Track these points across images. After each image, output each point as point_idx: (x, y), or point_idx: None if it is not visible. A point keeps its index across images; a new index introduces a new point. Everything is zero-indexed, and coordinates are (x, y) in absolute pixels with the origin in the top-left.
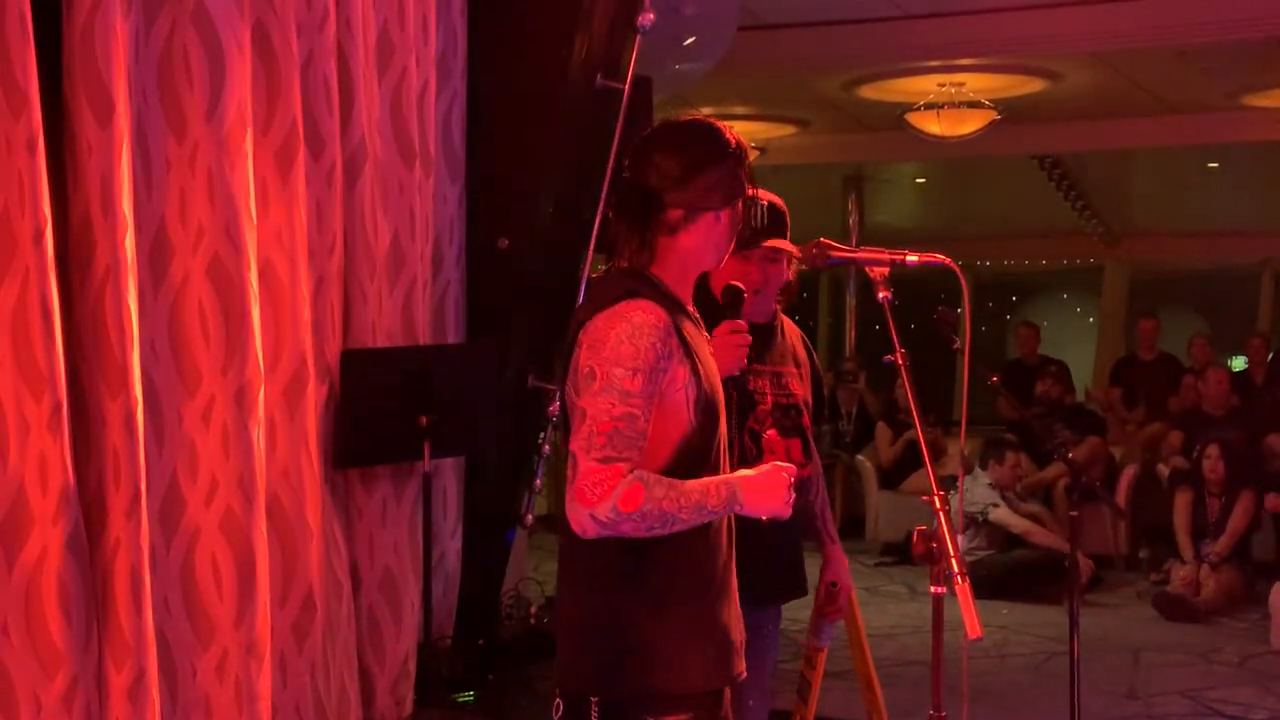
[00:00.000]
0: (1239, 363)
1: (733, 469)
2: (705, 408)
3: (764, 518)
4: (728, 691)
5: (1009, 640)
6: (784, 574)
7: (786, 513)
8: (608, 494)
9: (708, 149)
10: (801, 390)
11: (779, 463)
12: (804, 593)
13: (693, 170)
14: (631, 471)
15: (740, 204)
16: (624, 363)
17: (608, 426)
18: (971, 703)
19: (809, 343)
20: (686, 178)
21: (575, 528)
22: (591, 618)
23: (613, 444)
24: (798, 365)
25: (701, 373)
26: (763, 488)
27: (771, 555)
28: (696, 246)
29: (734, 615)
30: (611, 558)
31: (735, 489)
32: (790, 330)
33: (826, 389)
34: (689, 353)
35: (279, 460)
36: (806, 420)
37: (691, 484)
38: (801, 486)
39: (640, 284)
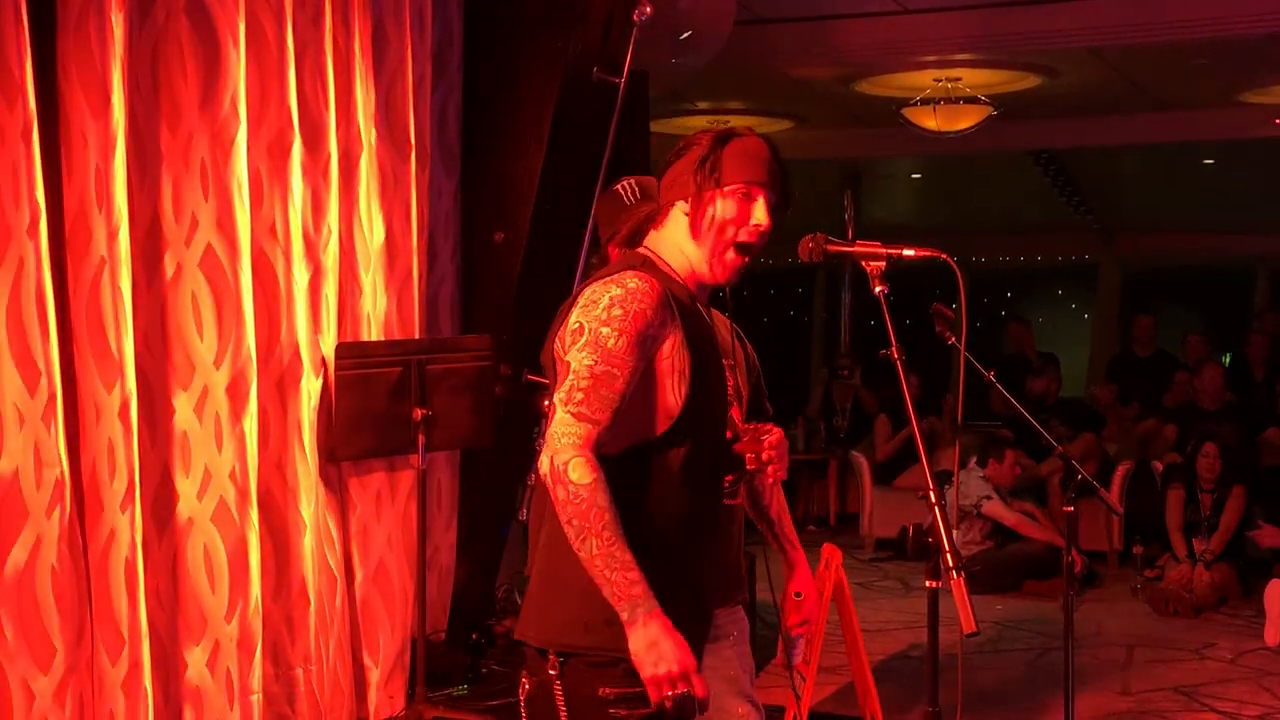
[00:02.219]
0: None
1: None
2: (699, 382)
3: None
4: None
5: (1003, 636)
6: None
7: (655, 687)
8: (568, 449)
9: (676, 150)
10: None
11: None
12: (744, 597)
13: (664, 169)
14: (599, 436)
15: (703, 195)
16: (612, 324)
17: (587, 382)
18: (966, 698)
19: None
20: (661, 175)
21: (540, 467)
22: (557, 573)
23: (589, 401)
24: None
25: (694, 347)
26: (660, 646)
27: (721, 552)
28: (675, 235)
29: (705, 588)
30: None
31: (642, 616)
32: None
33: (822, 385)
34: (682, 326)
35: (272, 453)
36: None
37: (627, 555)
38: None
39: (642, 263)
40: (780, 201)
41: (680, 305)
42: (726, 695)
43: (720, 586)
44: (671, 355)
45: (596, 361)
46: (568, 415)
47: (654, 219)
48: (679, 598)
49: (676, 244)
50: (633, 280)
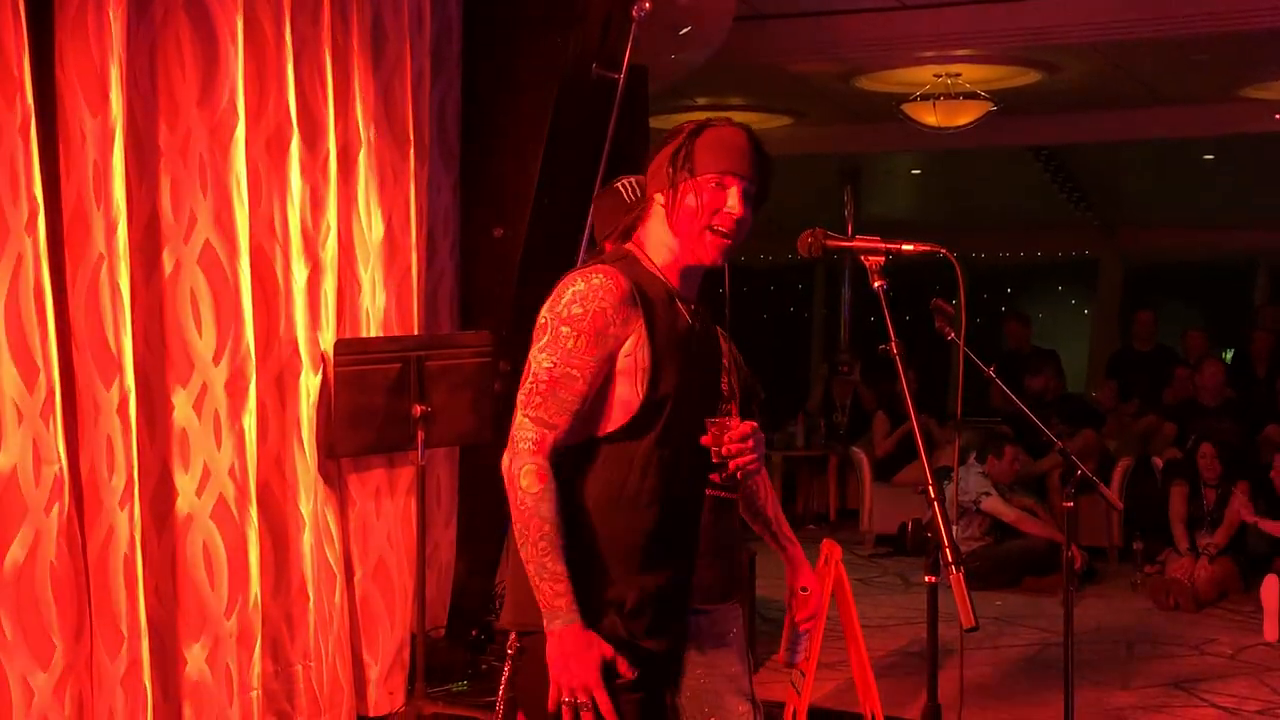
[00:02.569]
0: (1226, 355)
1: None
2: (660, 379)
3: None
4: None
5: (1003, 631)
6: (724, 574)
7: (556, 691)
8: (523, 454)
9: (658, 144)
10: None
11: None
12: (742, 591)
13: (647, 162)
14: (556, 441)
15: (678, 187)
16: (572, 323)
17: (545, 385)
18: (966, 693)
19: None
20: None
21: (501, 465)
22: (519, 560)
23: (546, 405)
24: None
25: (657, 346)
26: (568, 658)
27: (723, 549)
28: (657, 229)
29: (671, 590)
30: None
31: (560, 627)
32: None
33: (822, 381)
34: (649, 324)
35: (271, 449)
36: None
37: (559, 565)
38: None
39: (618, 259)
40: (759, 190)
41: (649, 302)
42: (726, 693)
43: (711, 583)
44: (634, 352)
45: (556, 364)
46: (526, 419)
47: (642, 215)
48: (638, 592)
49: (659, 237)
50: (597, 277)
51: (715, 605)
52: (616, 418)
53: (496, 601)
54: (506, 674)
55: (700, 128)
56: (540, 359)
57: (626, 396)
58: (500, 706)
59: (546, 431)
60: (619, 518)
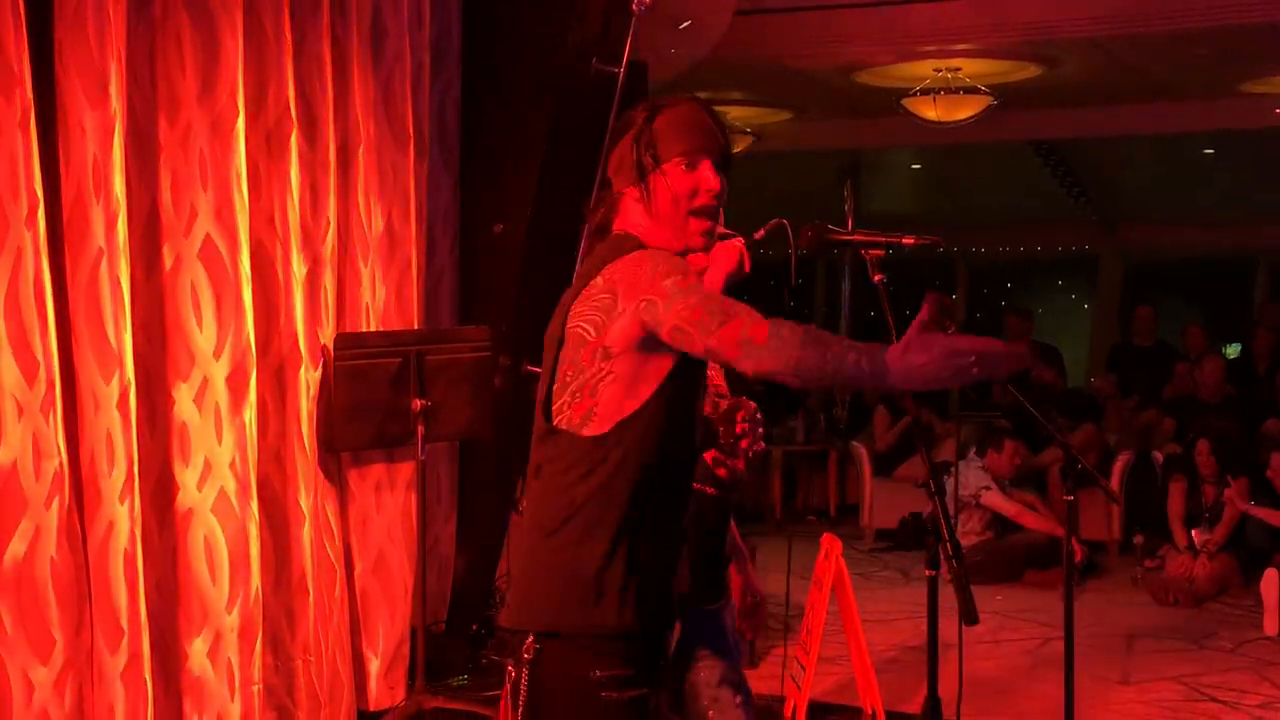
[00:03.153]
0: (1233, 350)
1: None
2: (677, 366)
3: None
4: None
5: (1003, 626)
6: (707, 576)
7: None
8: (736, 333)
9: (613, 131)
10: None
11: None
12: (724, 593)
13: (607, 152)
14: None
15: (648, 178)
16: (671, 274)
17: (699, 309)
18: (966, 688)
19: None
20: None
21: (751, 368)
22: (538, 557)
23: (716, 312)
24: None
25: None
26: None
27: (710, 549)
28: (638, 219)
29: (671, 580)
30: (575, 501)
31: (885, 354)
32: None
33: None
34: None
35: (271, 443)
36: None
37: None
38: (732, 483)
39: (636, 244)
40: (726, 158)
41: None
42: (725, 685)
43: (708, 583)
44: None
45: (690, 293)
46: (727, 329)
47: (614, 208)
48: (651, 580)
49: (643, 227)
50: (658, 251)
51: (713, 605)
52: (638, 398)
53: (497, 596)
54: (514, 679)
55: (652, 113)
56: (676, 308)
57: (659, 371)
58: (515, 715)
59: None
60: (641, 501)
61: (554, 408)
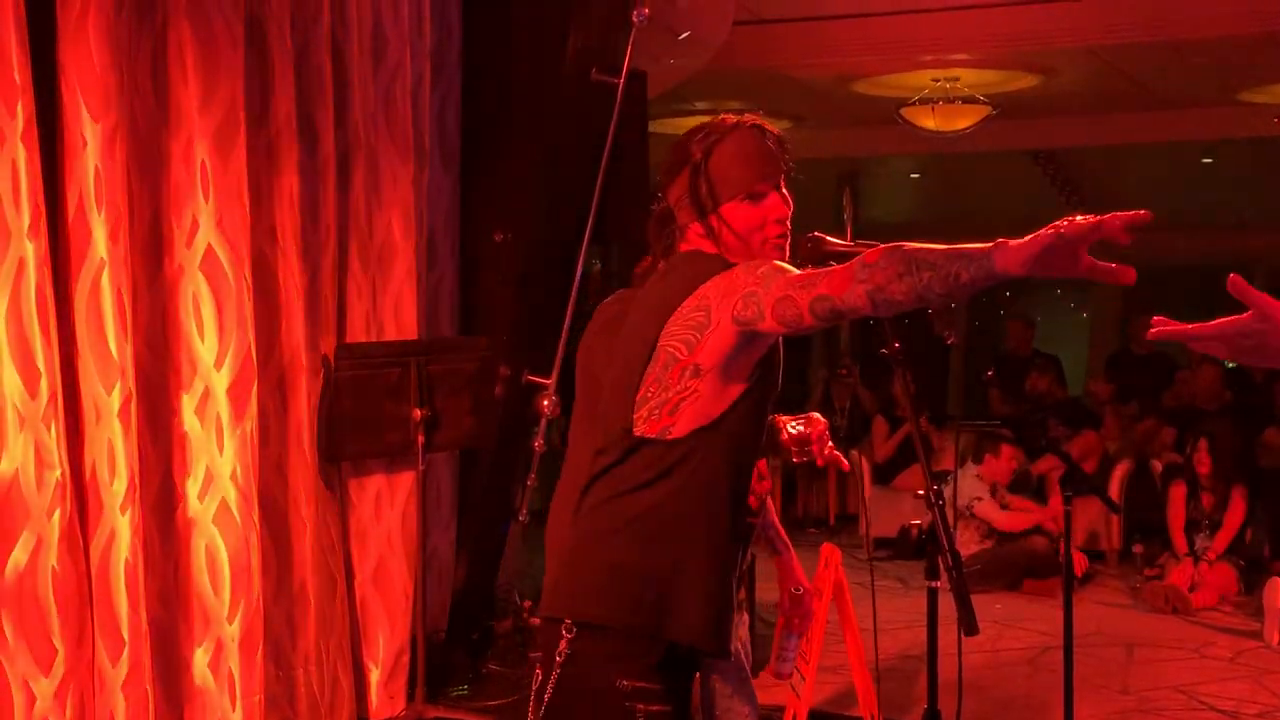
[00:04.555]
0: None
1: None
2: (768, 364)
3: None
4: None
5: (1002, 635)
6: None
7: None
8: (815, 289)
9: (670, 164)
10: None
11: None
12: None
13: (665, 182)
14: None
15: (710, 221)
16: (766, 265)
17: (798, 279)
18: (965, 697)
19: None
20: (665, 188)
21: (862, 310)
22: (588, 551)
23: (796, 283)
24: None
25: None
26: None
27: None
28: (706, 243)
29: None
30: (644, 505)
31: (992, 248)
32: None
33: (822, 385)
34: None
35: (273, 453)
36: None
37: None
38: (760, 510)
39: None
40: (788, 173)
41: None
42: (736, 696)
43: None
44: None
45: (786, 273)
46: (816, 288)
47: (681, 236)
48: (725, 601)
49: (720, 251)
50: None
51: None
52: (714, 414)
53: (497, 606)
54: (540, 680)
55: (707, 150)
56: (774, 286)
57: (737, 384)
58: (537, 706)
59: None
60: (713, 521)
61: (634, 418)
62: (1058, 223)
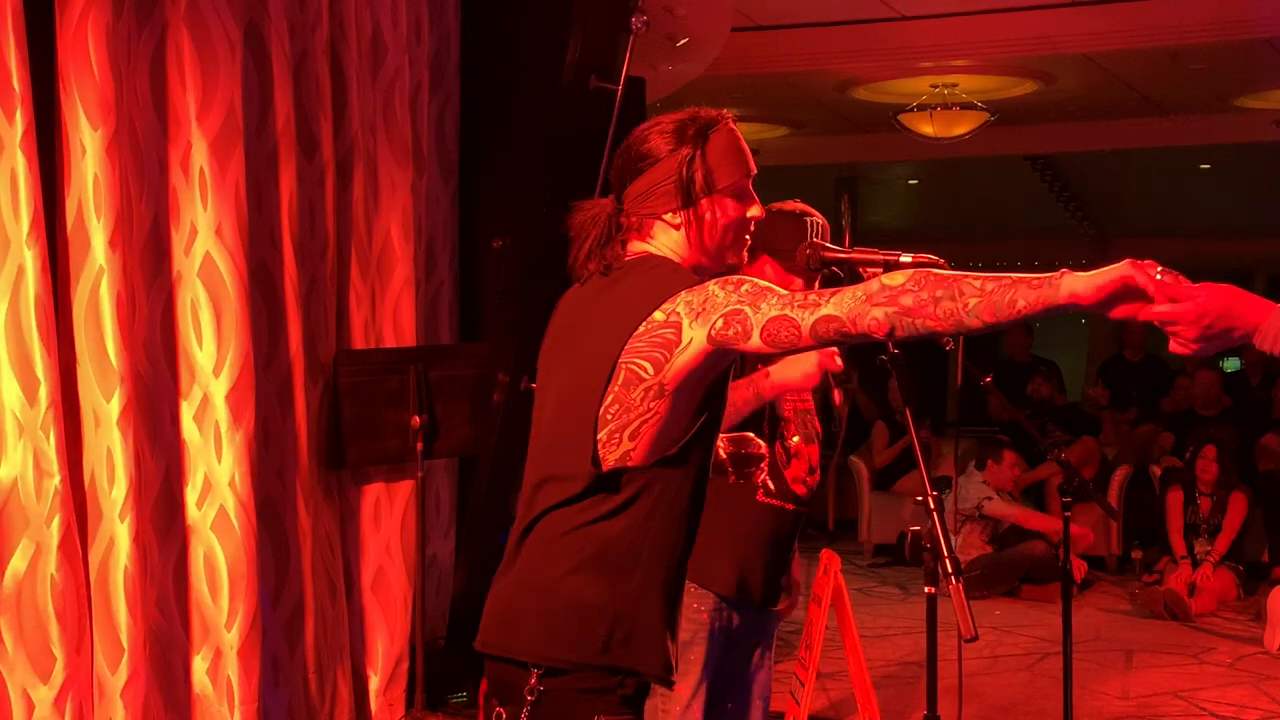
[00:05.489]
0: (1232, 364)
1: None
2: (722, 382)
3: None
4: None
5: (1002, 640)
6: (785, 577)
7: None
8: (837, 311)
9: (635, 155)
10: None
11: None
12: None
13: (625, 176)
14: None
15: (694, 207)
16: (745, 280)
17: (787, 314)
18: (964, 703)
19: None
20: (621, 182)
21: (865, 325)
22: (551, 585)
23: (802, 306)
24: None
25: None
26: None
27: (786, 557)
28: (666, 244)
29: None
30: (605, 539)
31: (1057, 277)
32: None
33: (819, 390)
34: None
35: (272, 461)
36: (818, 425)
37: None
38: (810, 498)
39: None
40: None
41: None
42: (756, 696)
43: (778, 586)
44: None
45: (770, 293)
46: (797, 313)
47: (626, 232)
48: (675, 609)
49: (673, 250)
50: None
51: (778, 607)
52: (673, 443)
53: None
54: (507, 715)
55: (702, 136)
56: (767, 308)
57: (684, 420)
58: None
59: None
60: (674, 550)
61: (595, 442)
62: (1128, 267)
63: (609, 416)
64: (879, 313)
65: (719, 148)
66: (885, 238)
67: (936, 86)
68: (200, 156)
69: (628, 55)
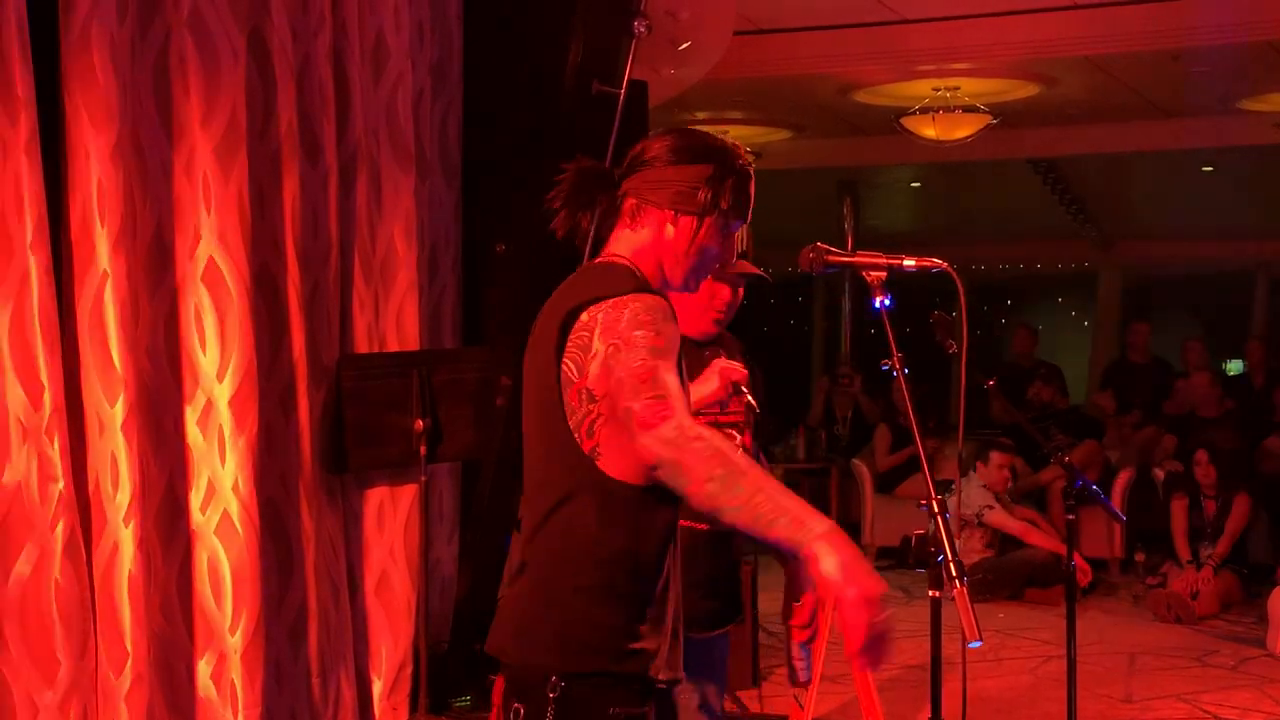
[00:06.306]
0: (1235, 366)
1: None
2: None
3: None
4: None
5: (1005, 644)
6: (725, 599)
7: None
8: (671, 415)
9: (670, 148)
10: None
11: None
12: (741, 617)
13: (649, 162)
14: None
15: (698, 219)
16: (645, 328)
17: (648, 374)
18: (969, 707)
19: (748, 354)
20: (643, 167)
21: (647, 458)
22: (563, 594)
23: (657, 386)
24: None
25: (684, 376)
26: (857, 557)
27: (711, 582)
28: (649, 240)
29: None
30: (613, 551)
31: (827, 526)
32: (731, 344)
33: (823, 393)
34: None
35: (275, 465)
36: (748, 439)
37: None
38: None
39: (642, 283)
40: None
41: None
42: (703, 711)
43: (703, 614)
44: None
45: (644, 358)
46: (648, 402)
47: (625, 215)
48: (667, 635)
49: (651, 249)
50: (649, 298)
51: (706, 634)
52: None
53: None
54: (525, 713)
55: (737, 171)
56: (628, 363)
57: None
58: None
59: (670, 400)
60: (645, 565)
61: (573, 443)
62: (871, 603)
63: (568, 415)
64: (661, 450)
65: (741, 188)
66: (887, 241)
67: (938, 89)
68: (204, 161)
69: (630, 59)
